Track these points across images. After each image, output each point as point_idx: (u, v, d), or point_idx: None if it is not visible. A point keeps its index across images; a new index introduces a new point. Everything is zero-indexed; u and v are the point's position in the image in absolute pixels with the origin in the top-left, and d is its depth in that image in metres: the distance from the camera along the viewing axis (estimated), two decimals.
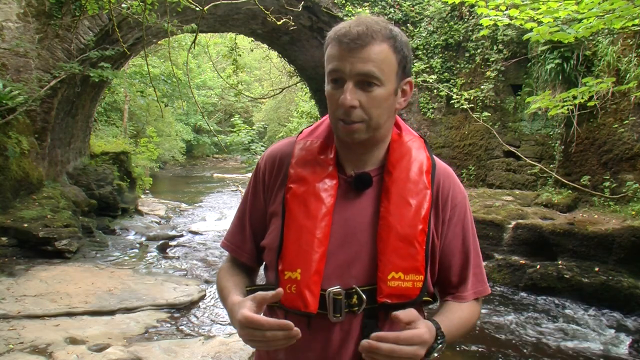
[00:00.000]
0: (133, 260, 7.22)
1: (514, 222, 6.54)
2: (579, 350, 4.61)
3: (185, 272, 6.74)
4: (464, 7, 8.04)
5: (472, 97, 8.08)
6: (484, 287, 1.27)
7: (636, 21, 3.65)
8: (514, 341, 4.82)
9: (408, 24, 8.72)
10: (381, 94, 1.11)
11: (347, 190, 1.19)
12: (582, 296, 5.68)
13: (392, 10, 8.61)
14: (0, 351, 3.72)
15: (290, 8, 7.23)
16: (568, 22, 4.26)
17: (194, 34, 5.19)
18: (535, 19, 3.94)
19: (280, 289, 1.05)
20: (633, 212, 5.87)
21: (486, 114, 7.92)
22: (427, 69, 8.55)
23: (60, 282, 5.50)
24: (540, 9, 3.74)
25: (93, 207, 8.61)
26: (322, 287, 1.12)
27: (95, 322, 4.56)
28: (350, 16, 8.07)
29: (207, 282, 6.23)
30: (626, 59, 6.25)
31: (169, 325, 4.77)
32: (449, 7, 8.22)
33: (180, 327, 4.74)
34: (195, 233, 9.59)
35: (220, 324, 4.89)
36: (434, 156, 1.25)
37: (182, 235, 9.32)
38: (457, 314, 1.21)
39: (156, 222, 10.60)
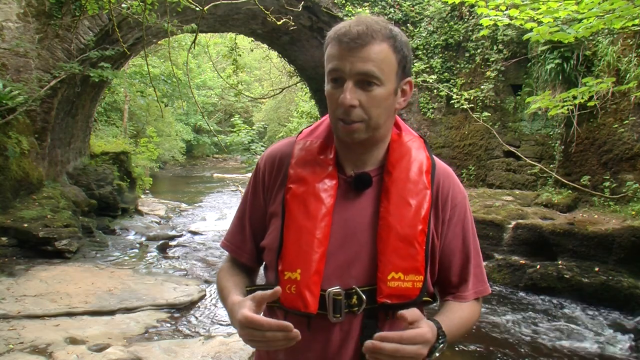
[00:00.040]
0: (133, 260, 7.22)
1: (514, 222, 6.54)
2: (579, 350, 4.61)
3: (185, 272, 6.73)
4: (464, 7, 8.04)
5: (472, 97, 8.07)
6: (484, 287, 1.27)
7: (636, 21, 3.64)
8: (513, 341, 4.81)
9: (408, 24, 8.71)
10: (381, 93, 1.11)
11: (347, 190, 1.19)
12: (582, 296, 5.69)
13: (392, 10, 8.61)
14: (0, 351, 3.72)
15: (290, 8, 7.23)
16: (568, 22, 4.26)
17: (194, 34, 5.19)
18: (535, 19, 3.94)
19: (278, 287, 1.05)
20: (633, 212, 5.87)
21: (486, 114, 7.92)
22: (427, 69, 8.55)
23: (60, 282, 5.50)
24: (540, 9, 3.74)
25: (93, 207, 8.61)
26: (322, 287, 1.12)
27: (95, 322, 4.56)
28: (350, 16, 8.07)
29: (207, 282, 6.23)
30: (626, 59, 6.25)
31: (169, 325, 4.77)
32: (449, 7, 8.22)
33: (180, 327, 4.74)
34: (195, 233, 9.59)
35: (220, 324, 4.88)
36: (434, 156, 1.25)
37: (182, 235, 9.32)
38: (458, 313, 1.21)
39: (156, 222, 10.60)
